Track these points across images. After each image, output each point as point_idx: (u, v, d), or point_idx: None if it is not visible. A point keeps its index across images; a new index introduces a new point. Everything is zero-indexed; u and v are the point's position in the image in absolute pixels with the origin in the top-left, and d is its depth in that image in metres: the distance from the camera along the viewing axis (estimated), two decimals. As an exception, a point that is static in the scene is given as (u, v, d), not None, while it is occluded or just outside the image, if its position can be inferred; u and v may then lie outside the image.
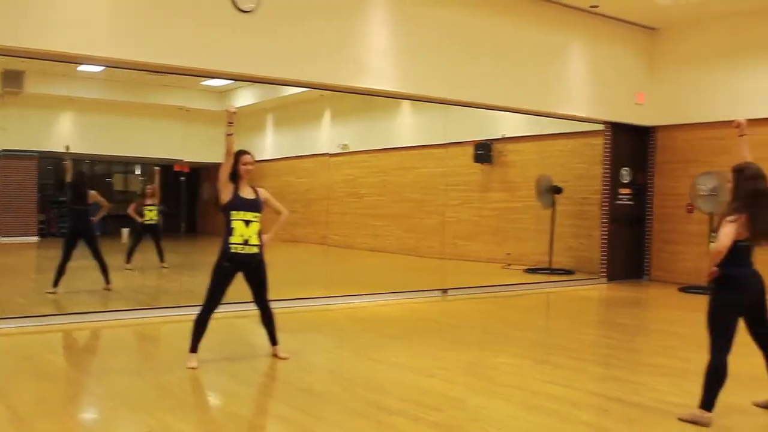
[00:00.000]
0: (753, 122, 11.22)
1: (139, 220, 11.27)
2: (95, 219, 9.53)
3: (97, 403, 5.10)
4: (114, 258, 10.54)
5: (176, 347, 6.81)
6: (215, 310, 5.99)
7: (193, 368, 5.79)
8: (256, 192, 6.05)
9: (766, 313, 4.86)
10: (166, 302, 8.64)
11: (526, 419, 4.69)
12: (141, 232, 11.43)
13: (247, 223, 5.87)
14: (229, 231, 5.87)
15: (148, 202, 11.34)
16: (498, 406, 5.00)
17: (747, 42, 11.51)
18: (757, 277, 4.76)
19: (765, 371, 4.94)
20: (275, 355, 6.20)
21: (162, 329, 7.86)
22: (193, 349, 5.93)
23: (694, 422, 4.58)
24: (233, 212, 5.87)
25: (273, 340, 6.27)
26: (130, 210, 11.22)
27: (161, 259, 11.51)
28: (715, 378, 4.59)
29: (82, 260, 9.65)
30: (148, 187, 11.63)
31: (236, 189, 5.93)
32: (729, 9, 11.31)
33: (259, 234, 5.96)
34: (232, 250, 5.86)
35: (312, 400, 5.12)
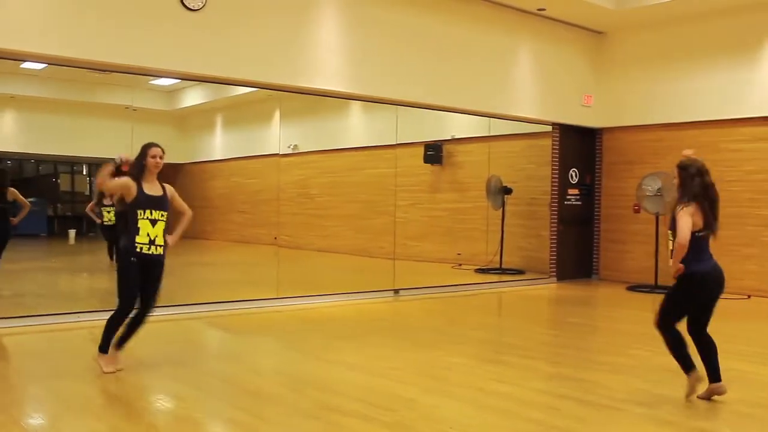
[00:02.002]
0: (695, 124, 11.65)
1: (98, 221, 10.99)
2: (16, 220, 9.22)
3: (42, 409, 4.98)
4: (61, 260, 10.36)
5: (125, 352, 6.69)
6: (130, 312, 5.74)
7: (110, 372, 5.60)
8: (163, 188, 5.78)
9: (710, 315, 5.05)
10: (115, 305, 8.47)
11: (477, 418, 4.72)
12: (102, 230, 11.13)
13: (154, 222, 5.63)
14: (136, 230, 5.58)
15: (107, 202, 11.04)
16: (450, 406, 5.02)
17: (689, 46, 11.79)
18: (718, 270, 5.01)
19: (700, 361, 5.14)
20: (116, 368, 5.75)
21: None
22: (105, 348, 5.71)
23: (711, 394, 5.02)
24: (139, 210, 5.58)
25: (122, 344, 5.82)
26: (88, 209, 10.91)
27: (111, 258, 11.17)
28: (676, 345, 5.06)
29: (26, 263, 9.44)
30: None
31: (140, 185, 5.61)
32: (671, 14, 11.57)
33: (165, 232, 5.73)
34: (137, 249, 5.59)
35: (262, 403, 5.08)
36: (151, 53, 7.98)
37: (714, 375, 5.08)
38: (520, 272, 12.99)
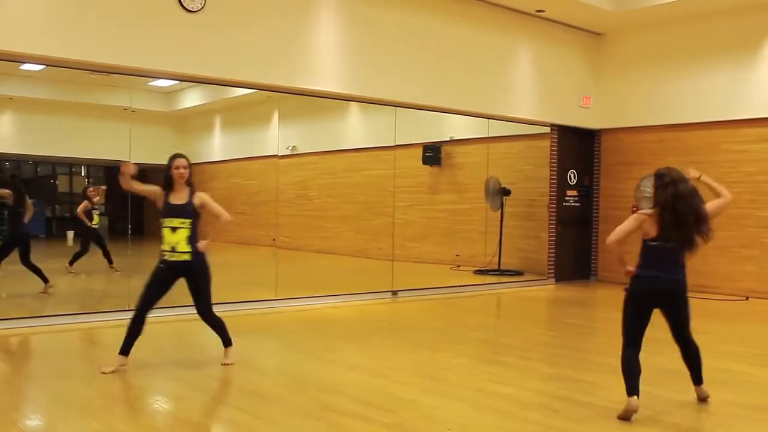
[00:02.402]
0: (694, 126, 11.67)
1: (88, 224, 10.98)
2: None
3: (41, 410, 4.98)
4: (60, 262, 10.35)
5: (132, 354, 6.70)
6: (149, 312, 5.89)
7: (107, 372, 5.69)
8: (189, 196, 5.92)
9: (681, 320, 4.99)
10: (113, 306, 8.49)
11: (476, 419, 4.73)
12: (87, 236, 11.12)
13: (174, 229, 5.82)
14: (161, 238, 5.89)
15: (95, 203, 11.05)
16: (449, 407, 5.02)
17: (687, 47, 11.81)
18: (659, 281, 4.88)
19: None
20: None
21: (109, 334, 7.70)
22: (123, 351, 5.84)
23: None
24: (162, 219, 5.88)
25: (226, 343, 6.15)
26: (79, 211, 10.90)
27: (111, 262, 11.17)
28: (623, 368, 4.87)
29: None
30: (90, 189, 11.32)
31: (167, 195, 5.88)
32: (670, 15, 11.60)
33: (190, 239, 5.85)
34: (164, 258, 5.88)
35: (262, 403, 5.08)
36: (149, 55, 7.98)
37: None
38: (518, 273, 12.99)
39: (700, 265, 11.49)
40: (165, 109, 12.85)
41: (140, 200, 13.94)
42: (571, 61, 12.55)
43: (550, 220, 12.74)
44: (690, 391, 5.20)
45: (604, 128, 13.02)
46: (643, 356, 4.88)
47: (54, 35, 7.39)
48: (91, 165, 13.57)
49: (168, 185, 5.89)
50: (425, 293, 10.97)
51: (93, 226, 11.01)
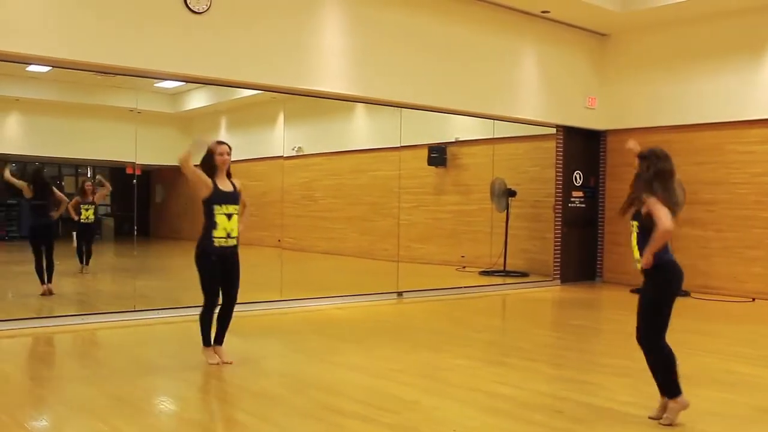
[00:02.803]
0: (700, 126, 11.64)
1: (76, 218, 10.93)
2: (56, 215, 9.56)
3: (46, 410, 4.99)
4: (65, 263, 10.37)
5: (128, 353, 6.72)
6: (217, 306, 6.07)
7: (214, 364, 5.96)
8: (233, 184, 6.07)
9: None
10: (120, 307, 8.51)
11: (480, 420, 4.72)
12: (76, 230, 11.12)
13: (229, 216, 5.92)
14: (213, 225, 5.88)
15: (88, 199, 11.02)
16: (452, 408, 5.02)
17: (693, 48, 11.78)
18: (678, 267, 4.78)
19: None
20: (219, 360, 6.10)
21: (114, 335, 7.72)
22: (207, 342, 6.06)
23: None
24: (216, 206, 5.87)
25: (219, 339, 6.18)
26: (69, 206, 10.90)
27: (86, 262, 11.10)
28: (667, 363, 4.68)
29: (29, 264, 9.47)
30: (87, 183, 11.30)
31: (215, 182, 5.92)
32: (676, 16, 11.57)
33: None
34: (216, 244, 5.89)
35: (266, 404, 5.08)
36: (155, 56, 8.00)
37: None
38: (524, 274, 12.97)
39: (706, 266, 11.49)
40: (171, 110, 12.88)
41: (146, 202, 13.99)
42: (576, 62, 12.53)
43: (555, 221, 12.73)
44: (695, 393, 5.18)
45: (610, 129, 12.99)
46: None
47: (61, 37, 7.41)
48: (97, 166, 13.60)
49: (212, 172, 5.93)
50: (430, 294, 10.97)
51: (82, 220, 10.94)
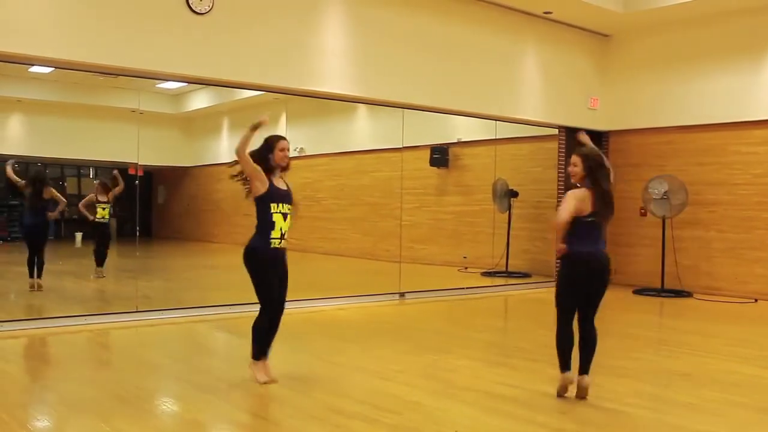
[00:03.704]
0: (703, 127, 11.63)
1: (90, 218, 10.92)
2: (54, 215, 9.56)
3: (48, 411, 5.00)
4: (68, 263, 10.39)
5: (131, 354, 6.73)
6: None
7: (263, 383, 5.46)
8: (286, 183, 5.68)
9: (600, 299, 5.28)
10: (122, 308, 8.53)
11: (483, 421, 4.72)
12: (93, 230, 11.08)
13: (285, 216, 5.50)
14: (270, 225, 5.45)
15: (101, 199, 11.01)
16: (455, 409, 5.01)
17: (696, 49, 11.77)
18: (599, 255, 5.13)
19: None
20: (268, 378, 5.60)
21: (117, 335, 7.73)
22: (262, 353, 5.61)
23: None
24: (272, 204, 5.43)
25: (266, 351, 5.75)
26: (81, 205, 10.86)
27: (101, 264, 11.01)
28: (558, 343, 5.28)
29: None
30: (102, 181, 11.27)
31: (270, 179, 5.46)
32: (678, 17, 11.57)
33: None
34: (273, 246, 5.49)
35: (267, 405, 5.09)
36: (157, 57, 8.00)
37: (585, 367, 5.26)
38: (526, 275, 12.97)
39: (709, 267, 11.49)
40: (173, 111, 12.90)
41: (148, 202, 13.99)
42: (578, 62, 12.52)
43: (557, 222, 12.70)
44: (697, 394, 5.18)
45: (612, 130, 12.98)
46: (648, 358, 4.86)
47: (63, 38, 7.41)
48: (100, 166, 13.62)
49: (268, 169, 5.46)
50: (432, 295, 10.96)
51: (98, 219, 10.92)
